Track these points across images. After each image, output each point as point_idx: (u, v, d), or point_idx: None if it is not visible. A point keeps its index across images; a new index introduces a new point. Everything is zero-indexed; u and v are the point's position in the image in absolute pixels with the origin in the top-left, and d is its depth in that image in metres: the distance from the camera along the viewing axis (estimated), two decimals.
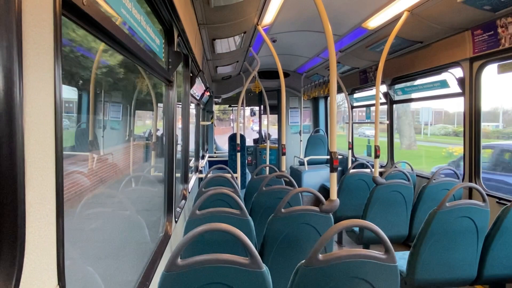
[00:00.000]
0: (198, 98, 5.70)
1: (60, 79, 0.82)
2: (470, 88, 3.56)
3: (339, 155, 4.21)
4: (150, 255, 2.11)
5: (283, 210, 2.33)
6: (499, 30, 3.04)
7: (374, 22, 3.86)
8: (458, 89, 3.75)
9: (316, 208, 2.38)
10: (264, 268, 1.42)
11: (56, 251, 0.80)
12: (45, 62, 0.76)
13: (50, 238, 0.78)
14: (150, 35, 1.91)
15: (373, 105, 6.03)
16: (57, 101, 0.80)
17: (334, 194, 2.47)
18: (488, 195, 2.69)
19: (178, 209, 3.09)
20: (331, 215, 2.41)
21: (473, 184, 2.63)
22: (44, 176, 0.76)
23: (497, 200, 3.20)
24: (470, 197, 3.62)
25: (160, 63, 2.17)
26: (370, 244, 3.94)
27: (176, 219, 2.83)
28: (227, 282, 1.39)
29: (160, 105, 3.79)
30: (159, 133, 4.29)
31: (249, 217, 2.35)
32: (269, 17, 3.85)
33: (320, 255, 1.47)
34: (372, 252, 1.50)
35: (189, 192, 3.94)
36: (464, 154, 3.74)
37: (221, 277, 1.39)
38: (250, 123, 20.65)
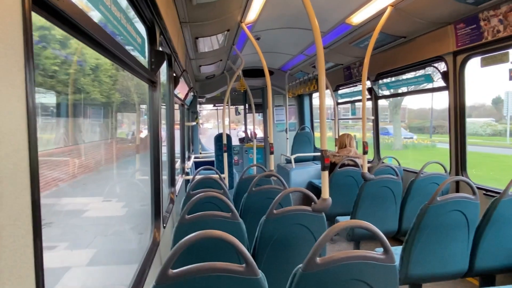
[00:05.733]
0: (182, 98, 5.58)
1: (33, 82, 0.73)
2: (454, 82, 3.59)
3: None
4: (139, 264, 2.02)
5: (275, 211, 2.28)
6: (482, 23, 3.07)
7: (357, 18, 3.85)
8: (442, 83, 3.78)
9: (308, 208, 2.34)
10: (260, 274, 1.36)
11: (34, 277, 0.72)
12: (14, 63, 0.68)
13: (27, 263, 0.70)
14: (131, 34, 1.82)
15: (358, 101, 6.06)
16: (30, 107, 0.72)
17: (326, 193, 2.43)
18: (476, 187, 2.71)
19: (166, 214, 2.99)
20: (323, 214, 2.38)
21: (463, 178, 2.64)
22: (18, 193, 0.67)
23: (484, 192, 3.25)
24: (457, 190, 3.66)
25: (142, 63, 2.08)
26: (361, 241, 3.95)
27: (164, 225, 2.74)
28: None
29: (143, 106, 3.67)
30: (142, 135, 4.17)
31: (241, 220, 2.29)
32: (252, 14, 3.79)
33: (317, 258, 1.43)
34: (371, 252, 1.46)
35: (176, 196, 3.85)
36: (450, 148, 3.78)
37: (215, 287, 1.32)
38: (235, 126, 19.79)
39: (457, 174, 3.70)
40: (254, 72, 7.74)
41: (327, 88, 6.09)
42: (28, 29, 0.72)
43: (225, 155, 5.41)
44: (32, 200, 0.71)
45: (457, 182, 3.66)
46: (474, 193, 2.47)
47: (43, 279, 0.75)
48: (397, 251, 2.65)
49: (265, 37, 5.14)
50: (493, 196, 2.72)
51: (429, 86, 4.12)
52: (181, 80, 4.28)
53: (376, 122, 5.35)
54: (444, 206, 2.42)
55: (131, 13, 1.99)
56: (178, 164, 5.63)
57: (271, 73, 7.69)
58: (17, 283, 0.66)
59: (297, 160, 6.77)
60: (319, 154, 2.48)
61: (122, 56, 1.59)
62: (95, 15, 1.29)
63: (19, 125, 0.69)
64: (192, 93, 6.45)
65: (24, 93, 0.71)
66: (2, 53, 0.64)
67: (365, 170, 3.75)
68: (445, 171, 3.72)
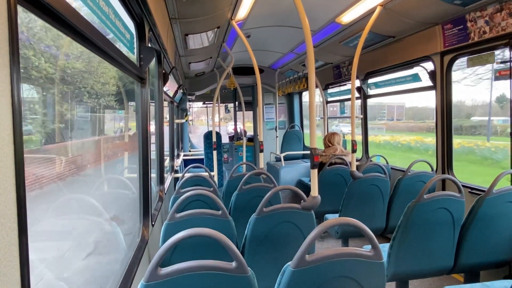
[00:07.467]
0: (171, 95, 5.54)
1: (19, 78, 0.72)
2: (442, 82, 3.65)
3: None
4: (127, 262, 2.00)
5: (264, 209, 2.28)
6: (468, 24, 3.12)
7: (347, 17, 3.87)
8: (430, 83, 3.84)
9: (298, 206, 2.34)
10: (250, 272, 1.36)
11: (20, 276, 0.70)
12: None
13: (12, 261, 0.68)
14: (119, 29, 1.79)
15: (347, 100, 6.10)
16: (15, 102, 0.70)
17: (315, 191, 2.44)
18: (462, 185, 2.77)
19: (154, 212, 2.97)
20: (312, 212, 2.39)
21: (450, 176, 2.69)
22: (2, 190, 0.65)
23: (470, 190, 3.31)
24: (443, 188, 3.73)
25: (131, 60, 2.05)
26: (349, 238, 3.98)
27: (153, 223, 2.71)
28: None
29: (132, 103, 3.63)
30: (131, 133, 4.13)
31: (230, 218, 2.28)
32: (243, 12, 3.78)
33: (306, 255, 1.43)
34: (359, 250, 1.48)
35: (165, 194, 3.82)
36: (436, 147, 3.84)
37: (205, 285, 1.32)
38: (225, 123, 19.71)
39: (443, 172, 3.76)
40: (244, 70, 7.72)
41: (316, 86, 6.12)
42: (14, 24, 0.70)
43: (215, 153, 5.39)
44: (18, 197, 0.70)
45: (443, 180, 3.72)
46: (459, 191, 2.51)
47: (29, 277, 0.73)
48: (384, 248, 2.68)
49: (255, 35, 5.13)
50: (478, 194, 2.78)
51: (417, 85, 4.18)
52: (171, 77, 4.24)
53: (365, 120, 5.41)
54: (430, 204, 2.45)
55: (120, 8, 1.96)
56: (167, 162, 5.58)
57: (261, 71, 7.67)
58: (2, 281, 0.65)
59: (287, 158, 6.80)
60: (308, 152, 2.50)
61: (110, 52, 1.56)
62: (82, 9, 1.27)
63: (3, 120, 0.67)
64: (181, 90, 6.40)
65: (9, 88, 0.69)
66: None
67: (354, 168, 3.79)
68: (432, 170, 3.78)
